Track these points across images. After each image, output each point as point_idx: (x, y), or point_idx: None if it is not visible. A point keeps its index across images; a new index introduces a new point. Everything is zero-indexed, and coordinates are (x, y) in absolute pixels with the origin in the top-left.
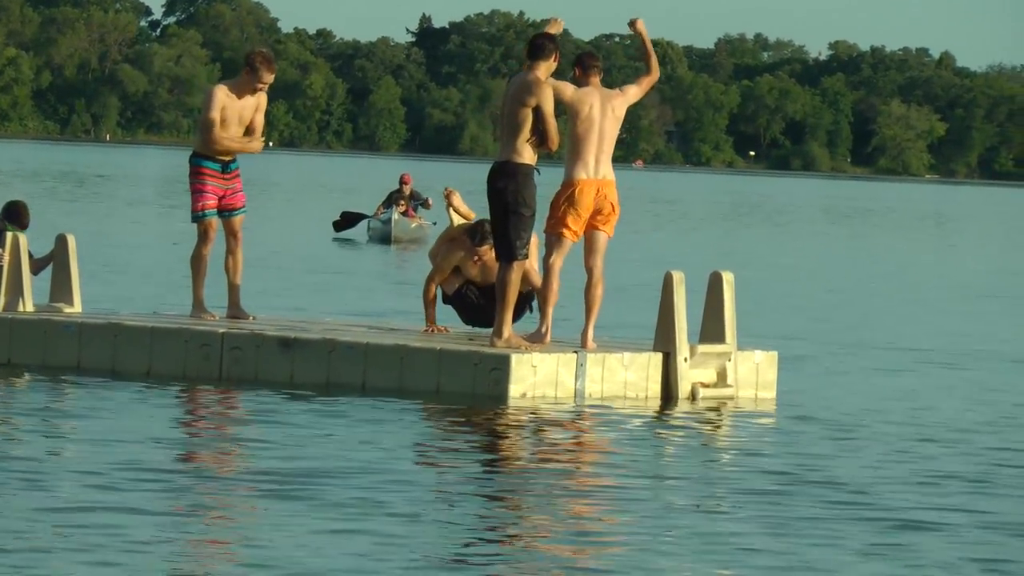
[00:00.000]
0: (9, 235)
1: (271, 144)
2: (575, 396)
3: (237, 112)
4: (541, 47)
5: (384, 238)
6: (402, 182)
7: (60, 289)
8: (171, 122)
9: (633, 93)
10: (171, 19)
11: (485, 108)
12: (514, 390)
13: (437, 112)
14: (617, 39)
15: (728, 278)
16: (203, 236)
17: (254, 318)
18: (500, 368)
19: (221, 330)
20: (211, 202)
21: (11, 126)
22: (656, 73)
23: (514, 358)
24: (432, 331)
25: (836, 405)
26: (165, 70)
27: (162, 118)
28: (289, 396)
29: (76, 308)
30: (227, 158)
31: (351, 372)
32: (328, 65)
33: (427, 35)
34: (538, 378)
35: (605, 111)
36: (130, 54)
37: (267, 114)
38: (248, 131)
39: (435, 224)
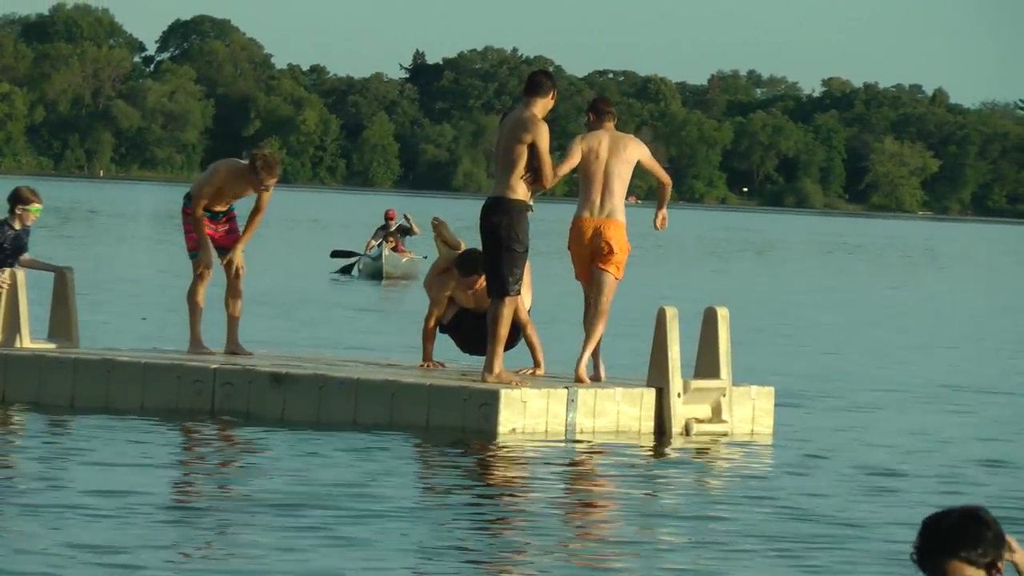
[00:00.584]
0: (7, 271)
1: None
2: (566, 431)
3: (234, 192)
4: (539, 84)
5: (375, 274)
6: (387, 217)
7: (59, 325)
8: (165, 158)
9: (647, 157)
10: (165, 55)
11: (479, 144)
12: (504, 425)
13: (431, 148)
14: (611, 75)
15: (723, 313)
16: (198, 273)
17: (252, 354)
18: (489, 403)
19: (213, 366)
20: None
21: (4, 162)
22: (669, 184)
23: (503, 393)
24: (428, 367)
25: (832, 441)
26: (159, 106)
27: (156, 154)
28: (280, 431)
29: (74, 344)
30: (222, 209)
31: (342, 407)
32: (321, 101)
33: (421, 71)
34: (528, 413)
35: (614, 151)
36: (124, 90)
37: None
38: (255, 210)
39: (425, 258)
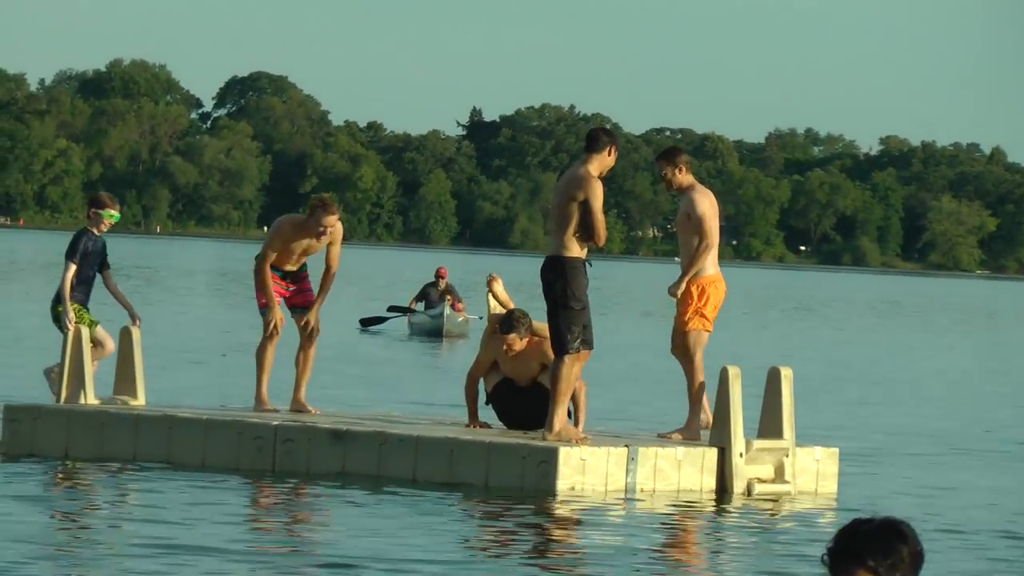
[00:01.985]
0: (73, 327)
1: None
2: (626, 491)
3: (303, 247)
4: (596, 139)
5: (435, 331)
6: (438, 275)
7: (124, 381)
8: (221, 214)
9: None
10: (222, 111)
11: (535, 201)
12: (562, 484)
13: (488, 205)
14: (668, 133)
15: (787, 373)
16: (267, 330)
17: (316, 412)
18: (548, 461)
19: (274, 422)
20: (276, 297)
21: (61, 218)
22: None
23: (562, 451)
24: (473, 427)
25: (897, 502)
26: (216, 162)
27: (212, 210)
28: (341, 487)
29: (140, 400)
30: (294, 268)
31: (402, 464)
32: (379, 158)
33: (477, 128)
34: (587, 472)
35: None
36: (181, 146)
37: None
38: (326, 269)
39: (480, 318)
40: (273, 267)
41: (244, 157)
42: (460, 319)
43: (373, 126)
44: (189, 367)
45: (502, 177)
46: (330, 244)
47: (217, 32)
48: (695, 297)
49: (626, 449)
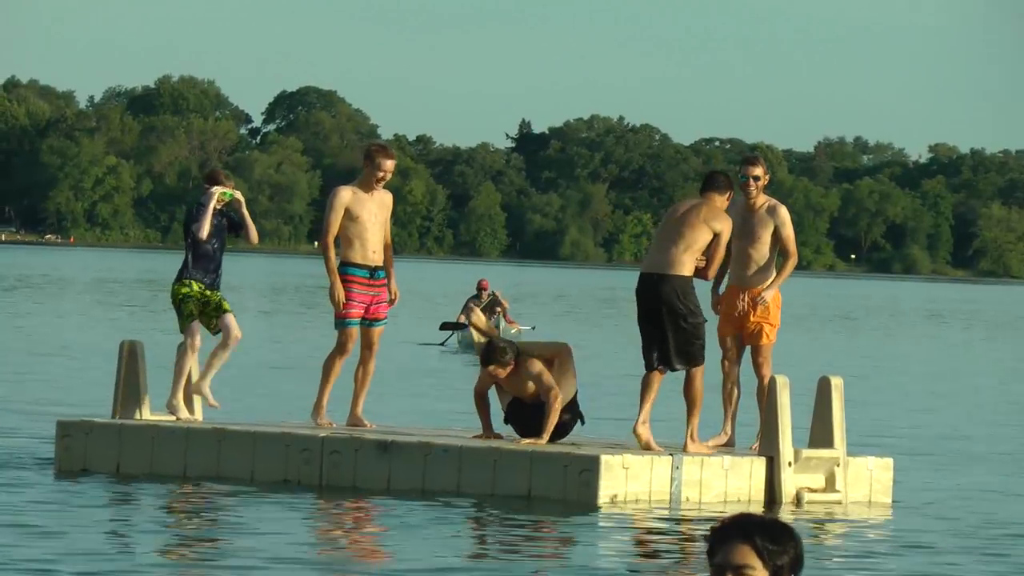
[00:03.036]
0: (126, 342)
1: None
2: (670, 501)
3: (371, 211)
4: (718, 181)
5: None
6: (480, 288)
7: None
8: (272, 229)
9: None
10: (271, 126)
11: (585, 213)
12: (604, 493)
13: (537, 217)
14: (717, 143)
15: (837, 383)
16: (341, 344)
17: (373, 427)
18: (590, 470)
19: (322, 435)
20: (355, 311)
21: (112, 235)
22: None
23: (604, 460)
24: (486, 438)
25: (953, 511)
26: (265, 177)
27: (263, 225)
28: (387, 499)
29: (197, 416)
30: (374, 264)
31: (446, 475)
32: (428, 171)
33: (527, 141)
34: (630, 481)
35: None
36: (230, 161)
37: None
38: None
39: (533, 328)
40: (354, 265)
41: (294, 172)
42: (513, 331)
43: (422, 139)
44: (243, 381)
45: (552, 189)
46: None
47: (266, 47)
48: (776, 310)
49: (670, 458)
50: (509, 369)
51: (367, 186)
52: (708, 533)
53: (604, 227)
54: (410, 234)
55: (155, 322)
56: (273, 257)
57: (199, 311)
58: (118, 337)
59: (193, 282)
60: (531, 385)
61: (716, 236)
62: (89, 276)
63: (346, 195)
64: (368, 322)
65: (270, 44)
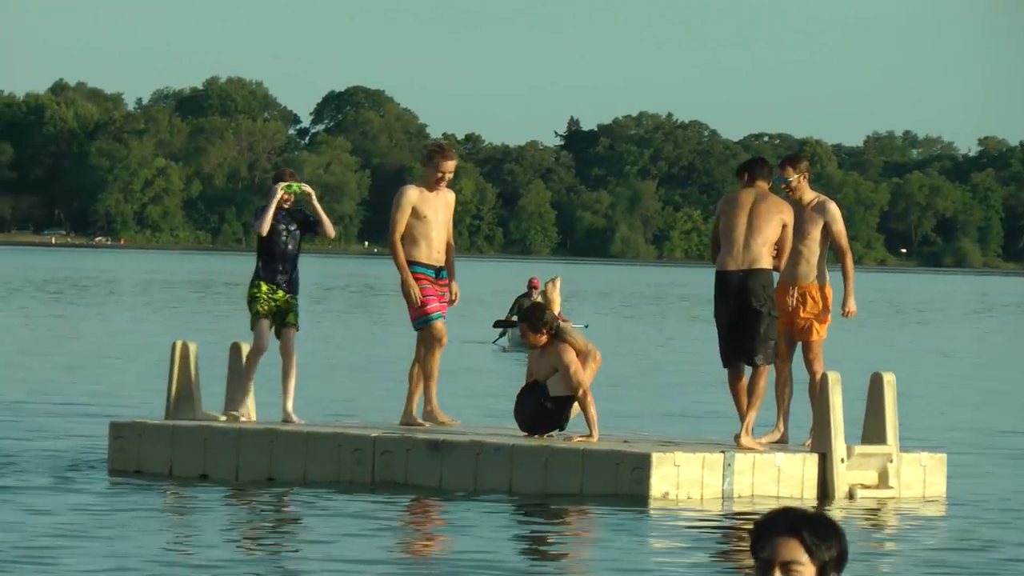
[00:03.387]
0: (179, 343)
1: None
2: (722, 498)
3: (435, 211)
4: (764, 167)
5: None
6: (530, 286)
7: (234, 397)
8: None
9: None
10: (319, 127)
11: (635, 210)
12: (656, 491)
13: (587, 215)
14: (766, 138)
15: (889, 379)
16: (432, 341)
17: (456, 422)
18: (642, 467)
19: (373, 434)
20: (434, 304)
21: (162, 236)
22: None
23: (655, 457)
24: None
25: (1008, 507)
26: (315, 177)
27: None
28: (439, 499)
29: (251, 416)
30: (438, 264)
31: (498, 474)
32: (478, 170)
33: (576, 138)
34: (682, 478)
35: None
36: (279, 162)
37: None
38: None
39: (586, 326)
40: (420, 264)
41: (343, 172)
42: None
43: (471, 138)
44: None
45: (601, 187)
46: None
47: (313, 47)
48: (828, 305)
49: (722, 455)
50: (539, 338)
51: (430, 186)
52: (752, 528)
53: (654, 224)
54: (460, 233)
55: (206, 323)
56: (323, 257)
57: (267, 312)
58: (169, 339)
59: (262, 283)
60: (552, 368)
61: (785, 227)
62: (139, 278)
63: (413, 194)
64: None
65: (318, 44)
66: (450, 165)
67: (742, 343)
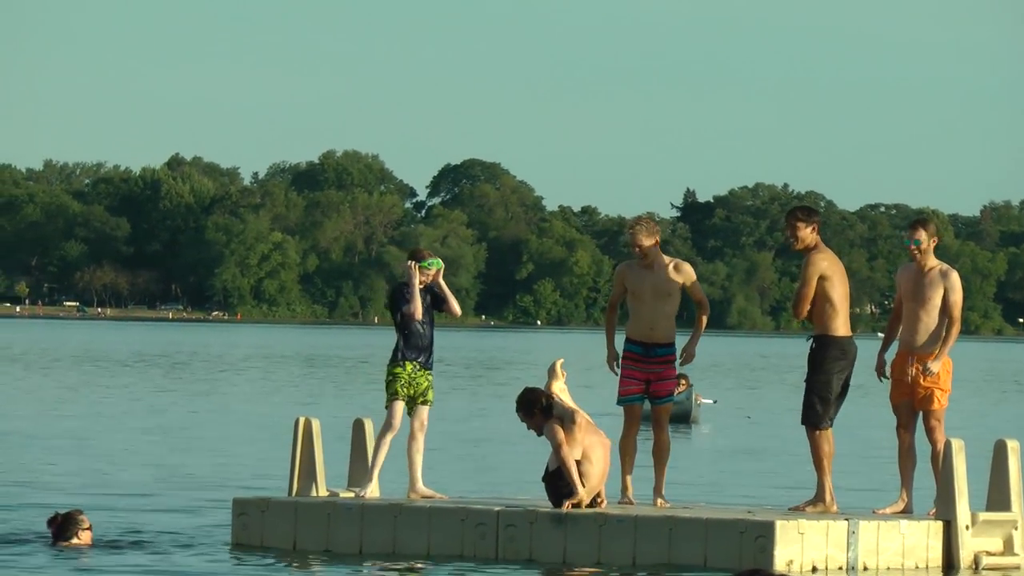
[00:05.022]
0: (302, 419)
1: (539, 323)
2: (847, 566)
3: (643, 286)
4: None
5: (682, 417)
6: None
7: (358, 473)
8: None
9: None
10: (436, 200)
11: (751, 281)
12: (780, 559)
13: (704, 286)
14: (882, 209)
15: (1013, 446)
16: (626, 421)
17: (668, 504)
18: (765, 536)
19: (496, 508)
20: (634, 387)
21: (279, 311)
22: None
23: (779, 525)
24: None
25: None
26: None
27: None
28: (563, 572)
29: (374, 492)
30: (650, 341)
31: (621, 546)
32: (594, 242)
33: (692, 209)
34: (806, 547)
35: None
36: (396, 235)
37: (535, 291)
38: (697, 302)
39: (715, 402)
40: (632, 341)
41: (459, 245)
42: (698, 403)
43: (587, 210)
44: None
45: (717, 258)
46: (685, 282)
47: (429, 121)
48: (947, 375)
49: (846, 523)
50: (534, 421)
51: (638, 264)
52: None
53: (771, 295)
54: (576, 305)
55: (325, 398)
56: (440, 331)
57: (405, 395)
58: (288, 414)
59: (407, 363)
60: (578, 450)
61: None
62: (257, 352)
63: (621, 270)
64: (660, 400)
65: (433, 117)
66: (645, 240)
67: (837, 407)
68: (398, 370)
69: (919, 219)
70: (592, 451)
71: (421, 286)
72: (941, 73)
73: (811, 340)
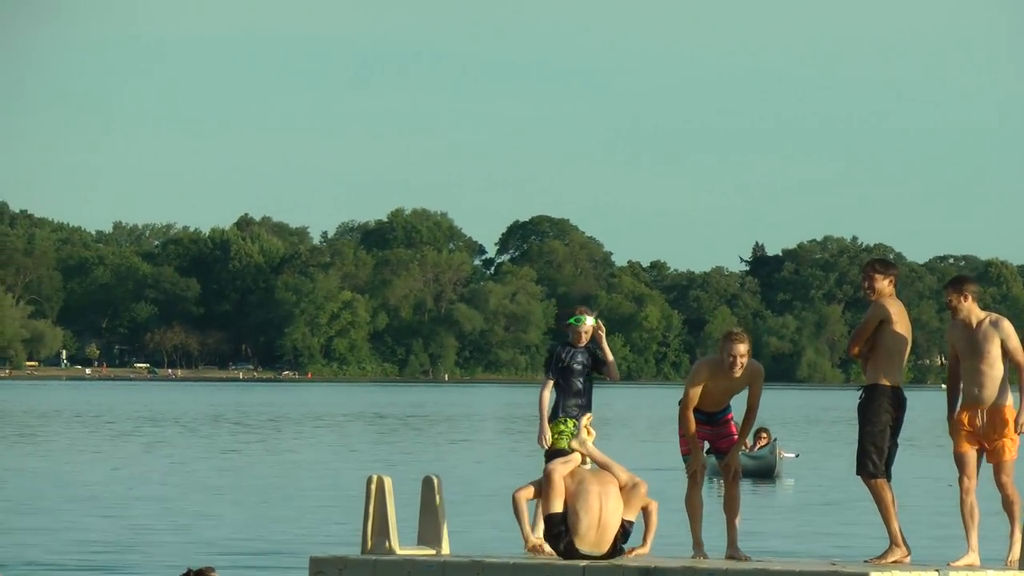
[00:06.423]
0: (375, 477)
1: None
2: None
3: (721, 387)
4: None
5: (763, 472)
6: None
7: (428, 530)
8: (508, 360)
9: None
10: (505, 256)
11: (821, 334)
12: None
13: (774, 340)
14: (951, 260)
15: None
16: (690, 478)
17: (748, 559)
18: None
19: (582, 564)
20: (697, 442)
21: (349, 369)
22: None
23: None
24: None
25: None
26: (501, 308)
27: (499, 356)
28: None
29: (444, 549)
30: (715, 409)
31: None
32: (663, 297)
33: (761, 263)
34: None
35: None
36: (465, 293)
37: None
38: (748, 408)
39: (797, 456)
40: (696, 409)
41: (529, 301)
42: (780, 457)
43: (656, 265)
44: (491, 513)
45: (787, 311)
46: (751, 383)
47: (497, 177)
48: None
49: (936, 573)
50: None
51: (723, 370)
52: None
53: (840, 347)
54: (646, 360)
55: (396, 455)
56: (510, 387)
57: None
58: (359, 472)
59: (570, 420)
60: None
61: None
62: (328, 411)
63: (703, 373)
64: (719, 455)
65: (501, 174)
66: (739, 348)
67: (890, 457)
68: (563, 427)
69: (955, 278)
70: (576, 500)
71: (580, 344)
72: (1008, 124)
73: (861, 391)
